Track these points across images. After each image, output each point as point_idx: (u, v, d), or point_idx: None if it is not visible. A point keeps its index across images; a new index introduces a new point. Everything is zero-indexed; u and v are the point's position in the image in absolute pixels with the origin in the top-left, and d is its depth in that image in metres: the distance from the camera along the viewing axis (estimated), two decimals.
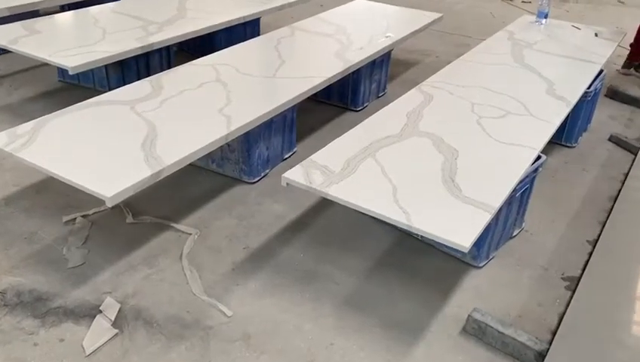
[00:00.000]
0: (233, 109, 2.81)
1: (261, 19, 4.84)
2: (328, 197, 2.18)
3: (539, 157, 2.57)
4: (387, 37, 3.99)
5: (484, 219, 2.06)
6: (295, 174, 2.30)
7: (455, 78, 3.32)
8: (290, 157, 3.31)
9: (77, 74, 3.51)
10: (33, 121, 2.59)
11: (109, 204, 2.10)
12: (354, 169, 2.34)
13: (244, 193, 2.94)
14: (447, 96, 3.07)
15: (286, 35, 3.98)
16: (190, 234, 2.59)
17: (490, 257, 2.56)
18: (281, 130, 3.15)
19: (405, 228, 2.05)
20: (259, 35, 4.78)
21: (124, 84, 3.81)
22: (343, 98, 3.90)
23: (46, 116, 2.64)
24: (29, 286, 2.24)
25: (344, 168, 2.34)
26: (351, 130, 2.70)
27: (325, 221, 2.75)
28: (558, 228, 2.81)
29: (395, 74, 4.59)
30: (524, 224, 2.79)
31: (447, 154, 2.47)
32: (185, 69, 3.30)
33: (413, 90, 3.15)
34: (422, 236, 2.56)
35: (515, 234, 2.73)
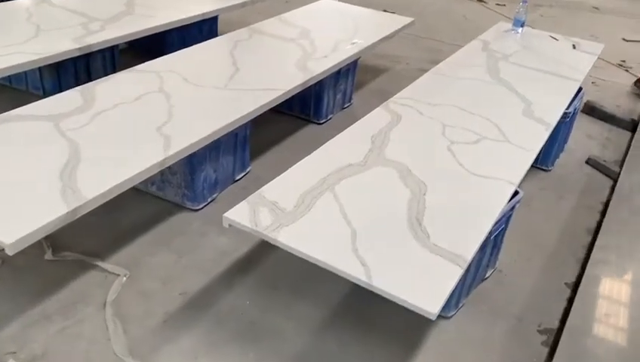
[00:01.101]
0: (174, 127, 2.46)
1: (223, 16, 4.46)
2: (277, 244, 1.87)
3: (516, 192, 2.31)
4: (354, 43, 3.68)
5: (454, 275, 1.77)
6: (239, 214, 1.98)
7: (426, 94, 3.03)
8: (243, 177, 2.97)
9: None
10: None
11: (10, 252, 1.74)
12: (308, 207, 2.02)
13: (186, 222, 2.60)
14: (416, 117, 2.78)
15: (243, 38, 3.62)
16: (118, 275, 2.24)
17: (460, 305, 2.29)
18: (232, 149, 2.81)
19: (365, 286, 1.75)
20: (216, 35, 4.41)
21: (59, 88, 3.45)
22: (305, 109, 3.58)
23: None
24: None
25: (297, 205, 2.02)
26: (308, 156, 2.38)
27: (276, 258, 2.43)
28: (534, 268, 2.55)
29: (363, 82, 4.29)
30: (497, 263, 2.53)
31: (414, 188, 2.18)
32: (124, 77, 2.93)
33: (379, 109, 2.85)
34: None
35: (487, 275, 2.47)
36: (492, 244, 2.31)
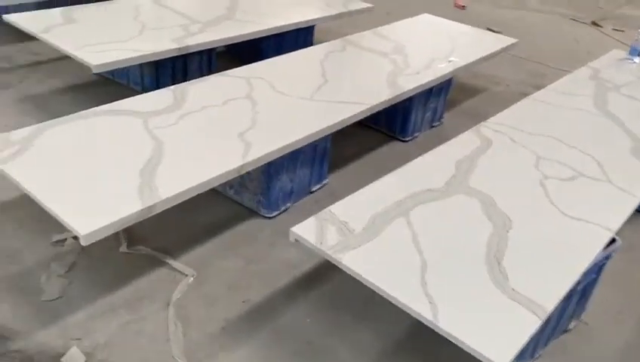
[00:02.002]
0: (256, 135, 2.45)
1: (320, 26, 4.47)
2: (340, 266, 1.79)
3: (613, 240, 2.08)
4: (450, 61, 3.53)
5: (531, 326, 1.61)
6: (306, 229, 1.92)
7: (522, 120, 2.83)
8: (319, 189, 2.92)
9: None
10: (32, 127, 2.33)
11: (84, 243, 1.80)
12: (378, 231, 1.93)
13: (258, 229, 2.59)
14: (508, 144, 2.60)
15: (336, 49, 3.59)
16: (186, 275, 2.27)
17: (536, 356, 2.09)
18: (311, 160, 2.77)
19: (429, 325, 1.63)
20: (312, 44, 4.42)
21: (157, 85, 3.58)
22: (392, 125, 3.48)
23: (48, 122, 2.38)
24: None
25: (367, 228, 1.94)
26: (386, 176, 2.29)
27: (342, 278, 2.33)
28: (626, 324, 2.29)
29: (456, 101, 4.11)
30: (583, 314, 2.29)
31: (497, 223, 2.02)
32: (216, 80, 2.98)
33: (469, 132, 2.69)
34: None
35: (570, 327, 2.24)
36: (579, 295, 2.10)
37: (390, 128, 3.48)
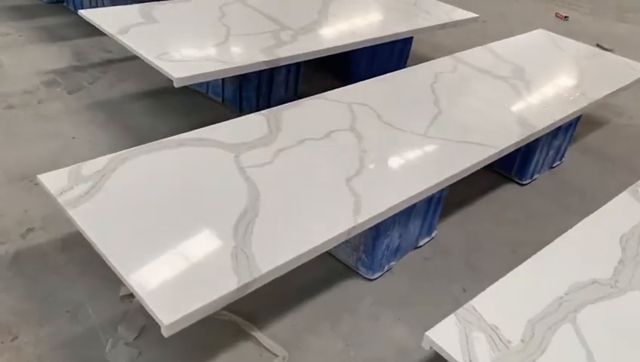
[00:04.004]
0: (366, 182, 2.01)
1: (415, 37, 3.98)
2: None
3: None
4: (581, 94, 2.98)
5: None
6: (445, 337, 1.47)
7: None
8: (426, 243, 2.46)
9: None
10: (106, 158, 1.96)
11: (165, 334, 1.41)
12: (542, 344, 1.46)
13: (358, 295, 2.15)
14: None
15: (446, 69, 3.09)
16: (276, 356, 1.85)
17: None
18: (424, 212, 2.31)
19: None
20: (407, 57, 3.94)
21: (239, 98, 3.20)
22: (507, 164, 2.96)
23: (125, 152, 2.01)
24: None
25: (526, 339, 1.47)
26: (532, 259, 1.80)
27: None
28: None
29: (576, 135, 3.54)
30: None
31: None
32: (312, 105, 2.55)
33: (626, 195, 2.17)
34: None
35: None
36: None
37: (506, 168, 2.96)
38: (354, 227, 1.81)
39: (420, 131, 2.42)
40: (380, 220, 1.92)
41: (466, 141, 2.38)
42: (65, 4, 4.44)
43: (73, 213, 1.69)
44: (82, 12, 3.12)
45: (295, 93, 3.43)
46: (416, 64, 3.94)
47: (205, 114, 3.18)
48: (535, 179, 3.01)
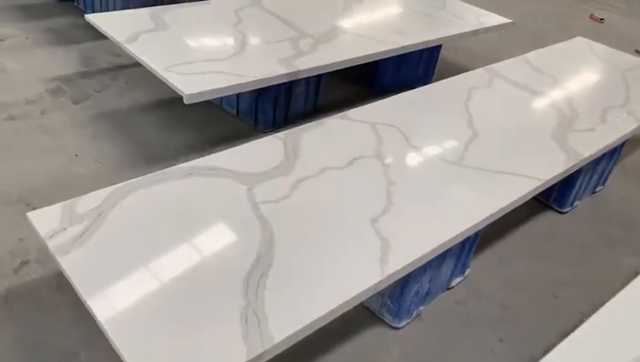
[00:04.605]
0: (394, 223, 1.78)
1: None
2: None
3: None
4: (628, 114, 2.71)
5: None
6: None
7: None
8: (458, 284, 2.22)
9: None
10: (105, 192, 1.75)
11: None
12: None
13: (382, 345, 1.92)
14: None
15: (480, 83, 2.84)
16: None
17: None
18: (458, 252, 2.07)
19: None
20: (435, 66, 3.68)
21: (255, 111, 2.98)
22: (546, 191, 2.66)
23: (126, 185, 1.80)
24: None
25: None
26: (595, 318, 1.56)
27: None
28: None
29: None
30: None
31: None
32: (333, 126, 2.32)
33: None
34: None
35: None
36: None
37: (544, 194, 2.70)
38: (381, 281, 1.59)
39: (454, 158, 2.18)
40: (411, 270, 1.70)
41: (506, 171, 2.14)
42: (75, 3, 4.24)
43: (63, 263, 1.49)
44: (89, 17, 2.92)
45: (315, 106, 3.20)
46: (444, 72, 3.71)
47: (219, 127, 2.97)
48: (575, 207, 2.75)
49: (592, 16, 5.80)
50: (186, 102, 2.36)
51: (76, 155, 2.63)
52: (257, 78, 2.55)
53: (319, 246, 1.67)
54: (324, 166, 2.03)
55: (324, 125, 2.32)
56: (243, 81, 2.51)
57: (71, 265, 1.48)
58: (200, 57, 2.65)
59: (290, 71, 2.66)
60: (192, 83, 2.41)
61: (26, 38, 3.65)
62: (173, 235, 1.64)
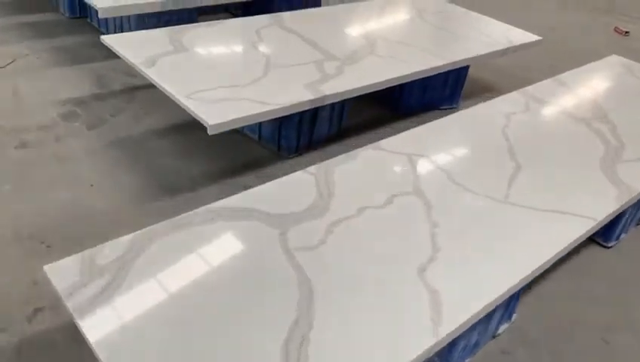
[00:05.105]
0: (443, 273, 1.63)
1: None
2: None
3: None
4: None
5: None
6: None
7: None
8: (504, 331, 2.05)
9: None
10: (128, 239, 1.61)
11: None
12: None
13: None
14: None
15: (517, 109, 2.68)
16: None
17: None
18: (508, 299, 1.91)
19: None
20: (462, 86, 3.53)
21: (278, 137, 2.84)
22: None
23: (148, 232, 1.65)
24: None
25: None
26: None
27: None
28: None
29: None
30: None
31: None
32: (367, 157, 2.17)
33: None
34: None
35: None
36: None
37: None
38: (436, 344, 1.43)
39: (499, 196, 2.02)
40: (464, 329, 1.54)
41: (556, 210, 1.98)
42: (89, 19, 4.13)
43: (84, 326, 1.34)
44: (105, 38, 2.79)
45: (339, 129, 3.05)
46: (470, 90, 3.57)
47: (240, 154, 2.83)
48: (621, 240, 2.58)
49: (616, 29, 5.63)
50: (210, 133, 2.22)
51: (92, 186, 2.49)
52: (284, 106, 2.40)
53: (364, 303, 1.51)
54: (362, 205, 1.88)
55: (356, 157, 2.17)
56: (269, 108, 2.37)
57: (91, 331, 1.34)
58: (222, 82, 2.51)
59: (317, 97, 2.51)
60: (216, 112, 2.27)
61: (37, 58, 3.53)
62: (201, 294, 1.49)
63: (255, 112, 2.33)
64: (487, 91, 3.85)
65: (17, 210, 2.29)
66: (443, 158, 2.21)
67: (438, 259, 1.69)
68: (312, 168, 2.06)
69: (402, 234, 1.78)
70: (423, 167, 2.14)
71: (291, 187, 1.96)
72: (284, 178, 2.01)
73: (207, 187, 2.56)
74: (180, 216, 1.73)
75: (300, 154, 2.89)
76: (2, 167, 2.54)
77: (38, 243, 2.14)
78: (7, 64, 3.40)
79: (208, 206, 1.80)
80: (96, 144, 2.78)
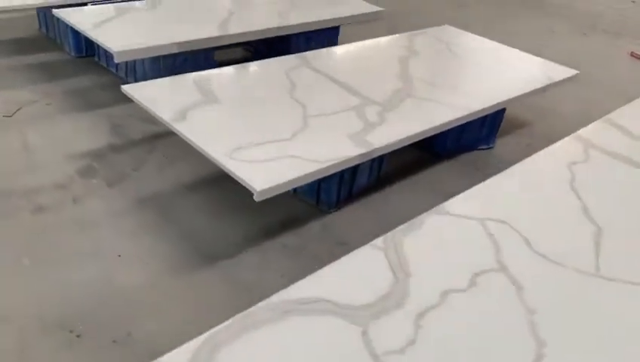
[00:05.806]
0: None
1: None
2: None
3: None
4: None
5: None
6: None
7: None
8: None
9: None
10: (185, 349, 1.36)
11: None
12: None
13: None
14: None
15: (577, 158, 2.48)
16: None
17: None
18: None
19: None
20: (499, 126, 3.33)
21: (318, 190, 2.61)
22: None
23: (211, 337, 1.41)
24: None
25: None
26: None
27: None
28: None
29: None
30: None
31: None
32: (436, 226, 1.93)
33: None
34: None
35: None
36: None
37: None
38: None
39: (590, 268, 1.81)
40: None
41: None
42: (96, 58, 3.90)
43: None
44: (126, 88, 2.57)
45: (378, 177, 2.84)
46: (503, 129, 3.42)
47: (275, 209, 2.59)
48: None
49: (633, 54, 5.51)
50: (257, 199, 1.99)
51: (119, 256, 2.24)
52: (334, 163, 2.19)
53: None
54: (444, 288, 1.65)
55: (423, 226, 1.94)
56: (318, 167, 2.15)
57: None
58: (262, 137, 2.29)
59: (367, 150, 2.30)
60: (263, 174, 2.04)
61: (47, 104, 3.28)
62: None
63: (304, 173, 2.11)
64: (519, 127, 3.66)
65: (41, 292, 2.03)
66: (517, 221, 1.98)
67: (547, 357, 1.46)
68: (378, 241, 1.82)
69: (497, 324, 1.55)
70: (500, 234, 1.92)
71: (360, 267, 1.72)
72: (349, 256, 1.78)
73: (246, 250, 2.33)
74: (242, 315, 1.49)
75: (339, 208, 2.67)
76: (19, 236, 2.28)
77: (67, 333, 1.88)
78: (14, 112, 3.15)
79: (271, 299, 1.56)
80: (119, 204, 2.53)
